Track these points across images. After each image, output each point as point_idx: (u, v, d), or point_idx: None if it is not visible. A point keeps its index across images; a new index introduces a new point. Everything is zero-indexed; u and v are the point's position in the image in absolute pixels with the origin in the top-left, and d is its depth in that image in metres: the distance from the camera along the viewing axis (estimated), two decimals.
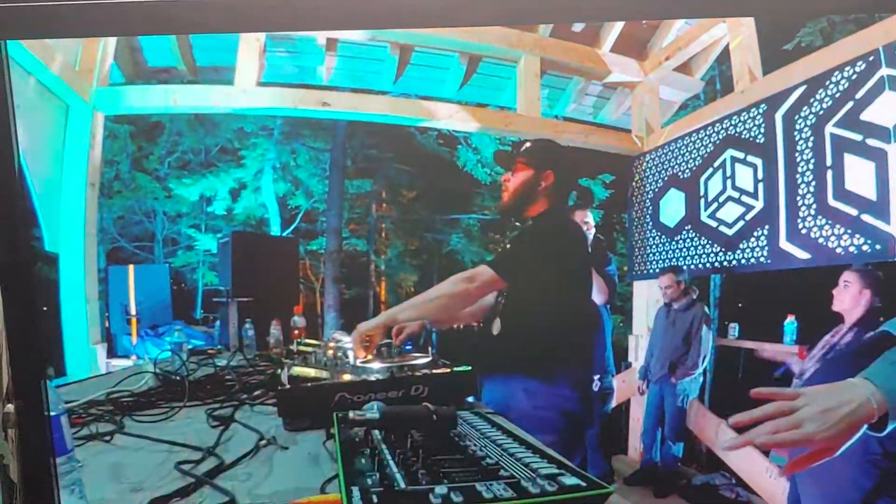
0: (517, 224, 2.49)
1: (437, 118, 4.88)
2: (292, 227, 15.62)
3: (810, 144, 3.76)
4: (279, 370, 2.26)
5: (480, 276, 2.20)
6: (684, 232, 4.96)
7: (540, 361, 2.28)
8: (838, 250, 3.58)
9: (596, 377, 4.25)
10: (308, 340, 3.18)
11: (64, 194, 4.13)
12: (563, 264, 2.29)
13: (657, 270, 5.07)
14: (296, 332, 3.48)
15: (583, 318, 2.54)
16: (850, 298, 3.21)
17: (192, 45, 4.95)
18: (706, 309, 4.94)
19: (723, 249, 4.56)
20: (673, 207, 5.10)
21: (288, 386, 1.77)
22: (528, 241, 2.32)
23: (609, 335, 4.36)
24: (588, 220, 4.24)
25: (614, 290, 4.30)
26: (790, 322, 4.38)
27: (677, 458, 4.92)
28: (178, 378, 2.28)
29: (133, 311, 5.24)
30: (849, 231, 3.51)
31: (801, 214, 3.84)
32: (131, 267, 5.65)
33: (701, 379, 4.95)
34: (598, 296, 4.09)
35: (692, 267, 4.90)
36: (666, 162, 5.15)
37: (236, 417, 1.78)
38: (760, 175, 4.20)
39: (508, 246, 2.37)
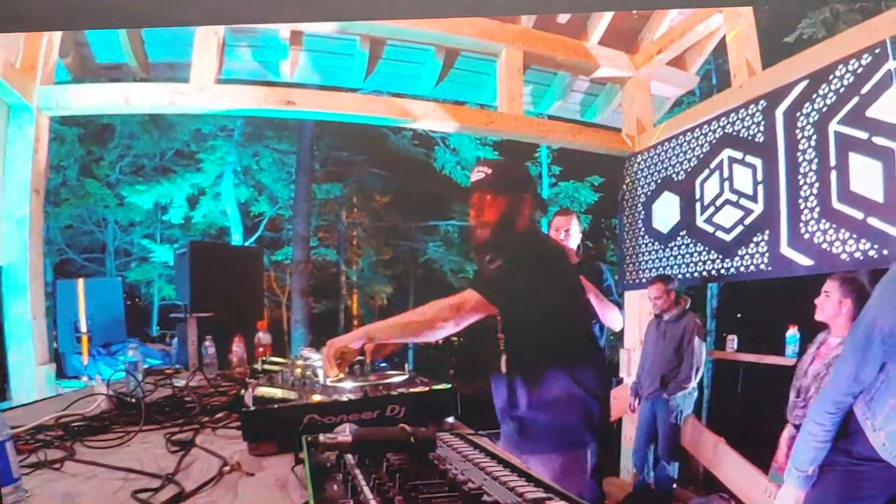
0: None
1: (412, 117, 4.85)
2: (255, 236, 15.64)
3: (813, 143, 3.78)
4: (243, 391, 2.20)
5: (468, 303, 2.19)
6: (679, 238, 4.99)
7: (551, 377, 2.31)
8: (843, 256, 3.59)
9: None
10: (274, 358, 3.13)
11: (6, 202, 4.07)
12: (550, 281, 2.33)
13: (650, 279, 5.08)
14: (260, 349, 3.44)
15: (583, 330, 2.59)
16: (831, 308, 3.23)
17: (144, 39, 4.91)
18: (698, 319, 4.97)
19: (720, 256, 4.59)
20: (666, 212, 5.12)
21: (253, 408, 1.72)
22: (513, 262, 2.32)
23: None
24: (570, 228, 4.20)
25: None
26: (792, 335, 4.40)
27: (672, 480, 4.93)
28: (133, 400, 2.23)
29: (83, 328, 5.19)
30: (854, 235, 3.52)
31: (803, 218, 3.86)
32: (81, 280, 5.58)
33: (696, 394, 4.97)
34: (614, 322, 4.06)
35: (688, 276, 4.92)
36: (659, 163, 5.18)
37: (197, 442, 1.76)
38: (760, 176, 4.22)
39: (491, 268, 2.36)
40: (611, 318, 3.97)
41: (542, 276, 2.29)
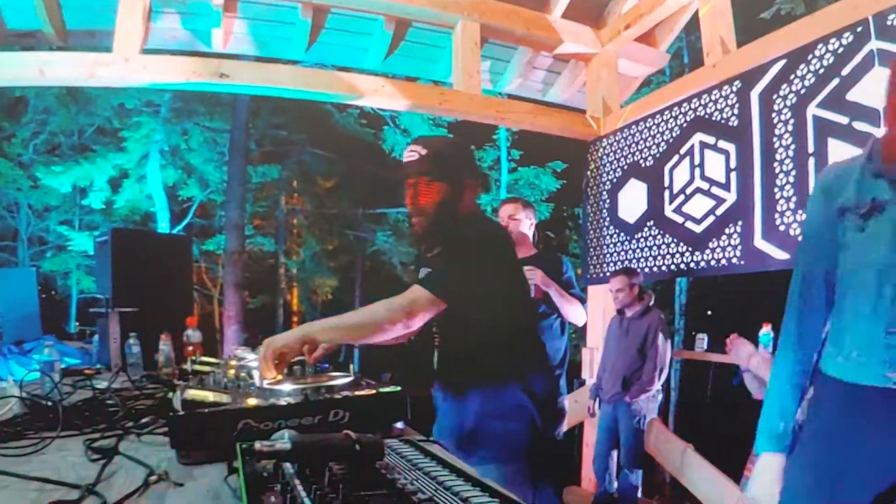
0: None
1: (359, 93, 4.81)
2: (184, 223, 15.53)
3: (790, 128, 3.83)
4: (171, 393, 2.23)
5: (417, 302, 2.17)
6: (646, 229, 5.03)
7: (489, 376, 2.31)
8: None
9: None
10: (205, 358, 3.13)
11: None
12: (494, 270, 2.32)
13: None
14: (190, 348, 3.40)
15: (528, 327, 2.59)
16: None
17: (62, 4, 4.80)
18: (663, 317, 5.02)
19: (690, 249, 4.63)
20: (633, 201, 5.16)
21: (181, 412, 1.71)
22: (452, 249, 2.31)
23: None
24: (516, 215, 4.20)
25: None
26: (765, 333, 4.46)
27: (636, 488, 4.99)
28: (49, 403, 2.21)
29: None
30: None
31: (778, 209, 3.91)
32: None
33: (661, 396, 5.03)
34: (576, 317, 4.08)
35: (655, 269, 4.97)
36: (626, 148, 5.22)
37: (120, 449, 1.70)
38: (733, 163, 4.27)
39: (429, 256, 2.35)
40: (572, 313, 4.00)
41: (485, 264, 2.28)
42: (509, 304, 2.38)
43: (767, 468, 1.99)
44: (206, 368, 2.78)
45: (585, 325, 4.76)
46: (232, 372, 2.16)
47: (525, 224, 4.15)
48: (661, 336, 4.77)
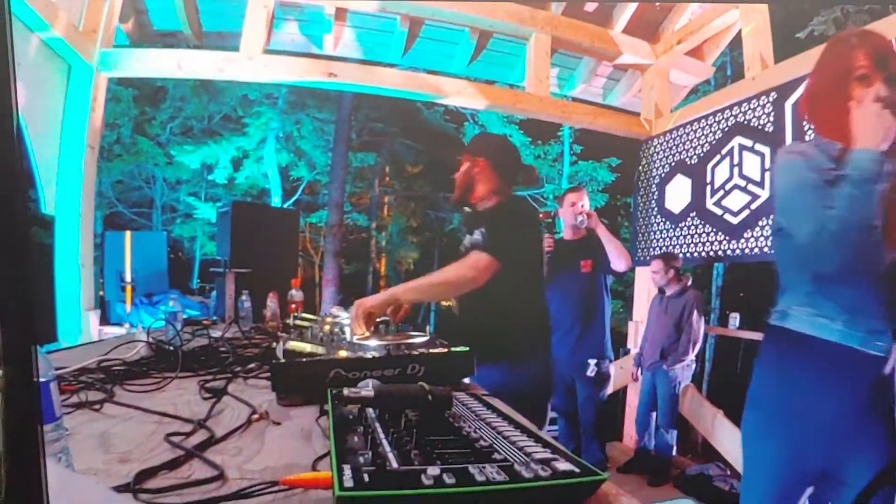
0: (467, 210, 2.61)
1: (445, 94, 4.84)
2: (293, 199, 15.69)
3: None
4: (274, 344, 2.22)
5: (482, 264, 2.22)
6: (689, 219, 4.97)
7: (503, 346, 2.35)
8: None
9: (592, 362, 4.28)
10: (305, 315, 3.14)
11: (62, 156, 4.11)
12: (529, 243, 2.40)
13: None
14: (293, 305, 3.42)
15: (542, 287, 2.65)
16: None
17: (199, 9, 4.93)
18: (699, 296, 4.95)
19: (727, 238, 4.57)
20: (679, 193, 5.10)
21: (283, 360, 1.69)
22: (503, 223, 2.35)
23: (607, 317, 4.37)
24: (584, 202, 4.25)
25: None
26: None
27: (671, 447, 4.95)
28: (171, 348, 2.24)
29: (128, 278, 5.24)
30: None
31: None
32: (128, 233, 5.62)
33: (694, 366, 4.97)
34: (618, 262, 4.13)
35: (695, 255, 4.91)
36: (673, 147, 5.15)
37: (229, 390, 1.73)
38: (768, 164, 4.20)
39: (485, 231, 2.38)
40: (616, 251, 4.13)
41: (528, 236, 2.36)
42: (538, 270, 2.47)
43: None
44: (306, 324, 2.78)
45: (632, 300, 4.75)
46: (327, 327, 2.14)
47: (588, 207, 4.23)
48: (695, 313, 4.71)
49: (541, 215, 3.92)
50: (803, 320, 1.77)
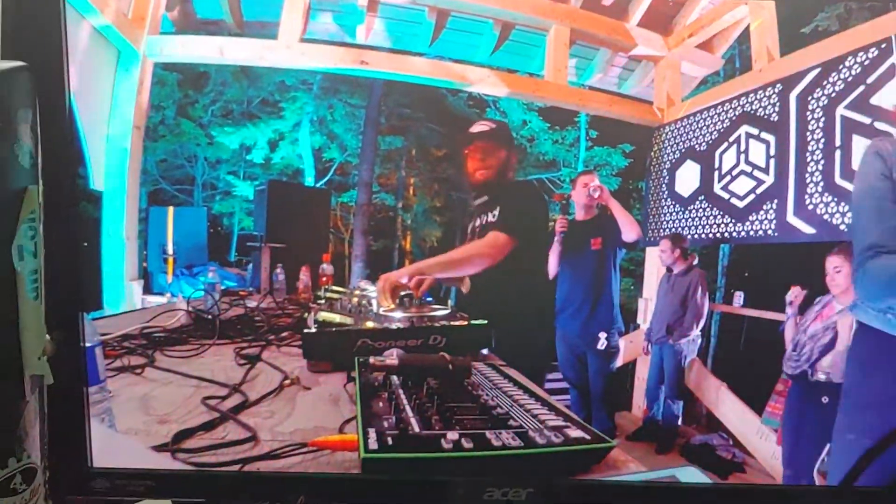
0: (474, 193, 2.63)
1: (469, 81, 4.90)
2: (326, 179, 15.64)
3: (821, 125, 3.78)
4: (306, 314, 2.22)
5: (500, 242, 2.28)
6: (697, 202, 4.99)
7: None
8: (842, 227, 3.60)
9: (603, 335, 4.35)
10: (335, 287, 3.17)
11: (110, 136, 4.21)
12: (538, 223, 2.46)
13: None
14: (324, 279, 3.44)
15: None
16: (844, 280, 3.22)
17: None
18: (704, 275, 5.00)
19: (733, 221, 4.59)
20: (688, 178, 5.12)
21: (314, 330, 1.74)
22: (517, 204, 2.42)
23: (616, 292, 4.44)
24: (593, 183, 4.31)
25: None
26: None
27: (677, 417, 5.00)
28: (209, 317, 2.29)
29: (170, 250, 5.33)
30: None
31: (808, 191, 3.87)
32: (171, 208, 5.70)
33: (700, 341, 5.01)
34: (629, 232, 4.20)
35: (703, 236, 4.94)
36: (684, 134, 5.17)
37: (263, 357, 1.78)
38: (773, 151, 4.22)
39: (499, 211, 2.45)
40: (627, 222, 4.19)
41: (537, 214, 2.42)
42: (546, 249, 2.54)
43: None
44: (335, 296, 2.82)
45: (642, 278, 4.80)
46: (355, 300, 2.21)
47: (597, 190, 4.27)
48: (699, 291, 4.74)
49: (555, 197, 3.99)
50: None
